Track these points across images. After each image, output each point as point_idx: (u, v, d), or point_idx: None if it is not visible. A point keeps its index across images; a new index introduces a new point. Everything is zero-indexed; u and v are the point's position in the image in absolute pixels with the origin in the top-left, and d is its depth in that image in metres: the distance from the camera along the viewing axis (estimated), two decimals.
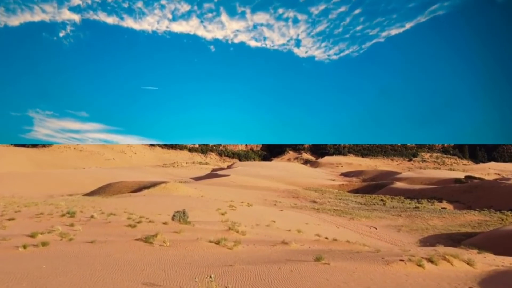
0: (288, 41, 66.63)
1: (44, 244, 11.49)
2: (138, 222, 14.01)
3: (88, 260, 9.64)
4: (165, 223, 14.07)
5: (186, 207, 29.45)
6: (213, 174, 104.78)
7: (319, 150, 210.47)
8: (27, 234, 13.18)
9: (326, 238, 15.17)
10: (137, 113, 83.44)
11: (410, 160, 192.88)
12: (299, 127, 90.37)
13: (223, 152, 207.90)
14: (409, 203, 60.11)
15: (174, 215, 15.65)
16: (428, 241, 29.30)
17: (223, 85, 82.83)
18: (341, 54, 64.45)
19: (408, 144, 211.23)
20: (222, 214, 27.19)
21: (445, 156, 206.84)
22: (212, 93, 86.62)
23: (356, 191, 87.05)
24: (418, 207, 52.72)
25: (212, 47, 69.98)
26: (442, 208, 54.05)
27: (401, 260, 10.33)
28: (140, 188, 50.78)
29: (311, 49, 63.95)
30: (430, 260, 10.45)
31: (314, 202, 60.37)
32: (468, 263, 10.78)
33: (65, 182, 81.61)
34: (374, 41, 66.77)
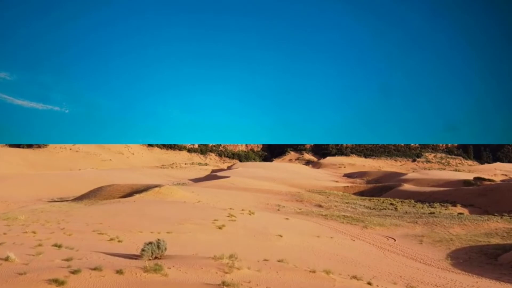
0: None
1: None
2: (74, 272, 9.17)
3: None
4: (119, 272, 9.19)
5: (178, 218, 25.55)
6: (212, 176, 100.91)
7: (321, 151, 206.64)
8: None
9: (369, 284, 11.10)
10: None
11: (414, 160, 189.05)
12: (300, 127, 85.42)
13: (223, 153, 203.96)
14: (422, 208, 56.24)
15: (143, 249, 11.38)
16: (460, 257, 25.31)
17: (222, 83, 78.65)
18: None
19: (412, 144, 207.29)
20: (220, 227, 23.26)
21: (449, 156, 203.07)
22: (210, 91, 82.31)
23: (361, 193, 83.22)
24: (433, 213, 48.77)
25: None
26: (459, 213, 50.06)
27: None
28: (132, 192, 46.94)
29: None
30: None
31: (320, 206, 56.50)
32: None
33: (58, 184, 77.86)
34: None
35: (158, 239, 11.42)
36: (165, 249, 11.40)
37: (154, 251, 10.94)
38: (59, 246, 12.34)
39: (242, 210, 33.95)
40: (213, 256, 10.43)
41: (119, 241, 16.30)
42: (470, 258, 25.02)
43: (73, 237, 16.28)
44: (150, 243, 11.20)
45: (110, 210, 27.72)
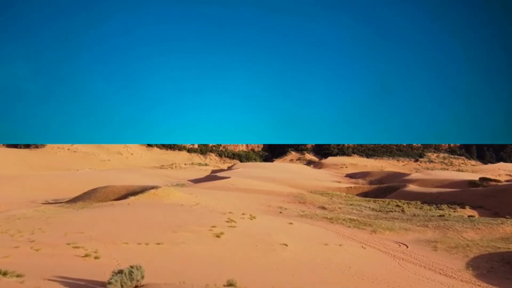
0: None
1: None
2: None
3: None
4: None
5: (172, 225, 23.41)
6: (212, 176, 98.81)
7: (322, 151, 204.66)
8: None
9: None
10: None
11: (416, 160, 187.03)
12: (301, 126, 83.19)
13: (223, 153, 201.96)
14: (430, 210, 54.02)
15: (110, 282, 9.04)
16: (481, 266, 23.18)
17: (222, 82, 76.49)
18: None
19: (414, 144, 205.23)
20: (217, 236, 21.16)
21: (452, 156, 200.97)
22: (210, 90, 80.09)
23: (365, 194, 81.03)
24: (443, 215, 46.58)
25: None
26: (469, 216, 47.88)
27: None
28: (127, 194, 44.80)
29: None
30: None
31: (324, 208, 54.28)
32: None
33: (55, 185, 75.81)
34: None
35: (131, 266, 9.07)
36: (142, 277, 9.07)
37: (125, 283, 8.56)
38: (4, 274, 9.65)
39: (243, 214, 31.80)
40: (205, 285, 8.21)
41: (95, 258, 13.84)
42: (492, 268, 22.90)
43: (39, 254, 13.92)
44: (120, 272, 8.86)
45: (98, 215, 25.54)
